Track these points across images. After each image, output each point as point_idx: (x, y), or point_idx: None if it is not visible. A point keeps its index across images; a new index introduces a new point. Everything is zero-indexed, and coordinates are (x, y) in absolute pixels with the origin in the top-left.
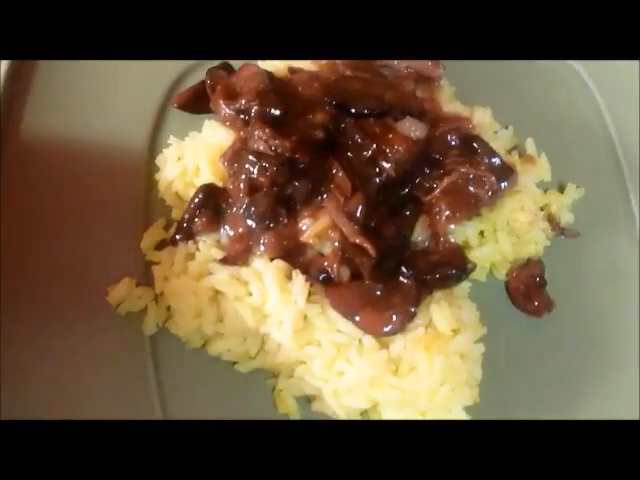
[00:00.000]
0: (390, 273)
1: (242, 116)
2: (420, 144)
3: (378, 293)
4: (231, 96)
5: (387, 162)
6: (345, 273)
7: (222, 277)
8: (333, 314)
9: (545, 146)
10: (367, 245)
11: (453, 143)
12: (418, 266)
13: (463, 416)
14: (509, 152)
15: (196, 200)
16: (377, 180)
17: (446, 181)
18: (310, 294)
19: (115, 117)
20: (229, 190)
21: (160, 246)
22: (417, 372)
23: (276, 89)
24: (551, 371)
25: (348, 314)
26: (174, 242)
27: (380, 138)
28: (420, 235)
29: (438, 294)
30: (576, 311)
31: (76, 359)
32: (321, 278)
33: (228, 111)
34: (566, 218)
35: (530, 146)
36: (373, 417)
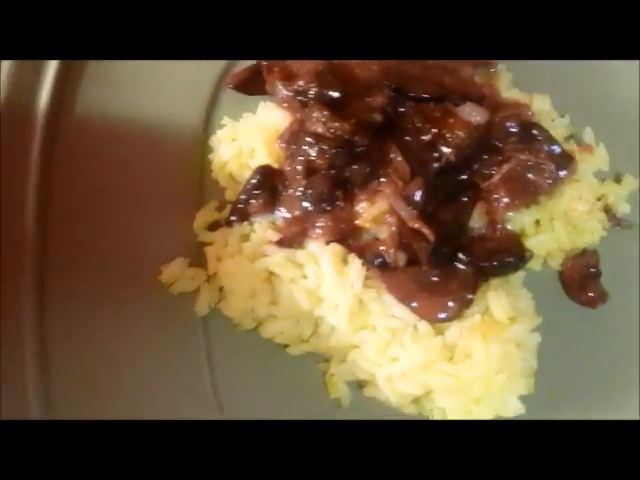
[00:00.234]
0: (447, 259)
1: (300, 98)
2: (480, 129)
3: (435, 279)
4: (289, 77)
5: (447, 147)
6: (401, 258)
7: (277, 259)
8: (388, 299)
9: (602, 136)
10: (426, 230)
11: (512, 130)
12: (475, 253)
13: (517, 405)
14: (566, 140)
15: (252, 181)
16: (435, 165)
17: (505, 168)
18: (366, 278)
19: (169, 97)
20: (286, 172)
21: (213, 227)
22: (472, 359)
23: (334, 71)
24: (603, 364)
25: (404, 299)
26: (229, 223)
27: (440, 122)
28: (477, 222)
29: (494, 282)
30: (630, 303)
31: (127, 339)
32: (377, 263)
33: (285, 92)
34: (622, 209)
35: (588, 135)
36: (426, 404)
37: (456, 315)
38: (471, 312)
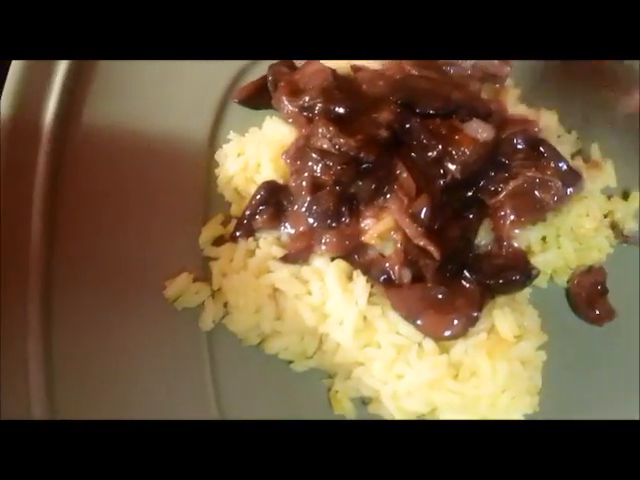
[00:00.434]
0: (453, 276)
1: (306, 113)
2: (487, 146)
3: (440, 296)
4: (295, 93)
5: (453, 163)
6: (406, 275)
7: (282, 275)
8: (394, 316)
9: (609, 152)
10: (431, 247)
11: (519, 146)
12: (481, 270)
13: None
14: (573, 157)
15: (258, 197)
16: (442, 182)
17: (512, 185)
18: (370, 295)
19: (176, 111)
20: (291, 187)
21: (218, 242)
22: (478, 377)
23: (340, 87)
24: (610, 381)
25: (410, 316)
26: (234, 238)
27: (446, 139)
28: (483, 239)
29: (501, 299)
30: (638, 321)
31: (132, 353)
32: (382, 279)
33: (291, 108)
34: (630, 226)
35: (595, 151)
36: None
37: (462, 333)
38: (477, 330)
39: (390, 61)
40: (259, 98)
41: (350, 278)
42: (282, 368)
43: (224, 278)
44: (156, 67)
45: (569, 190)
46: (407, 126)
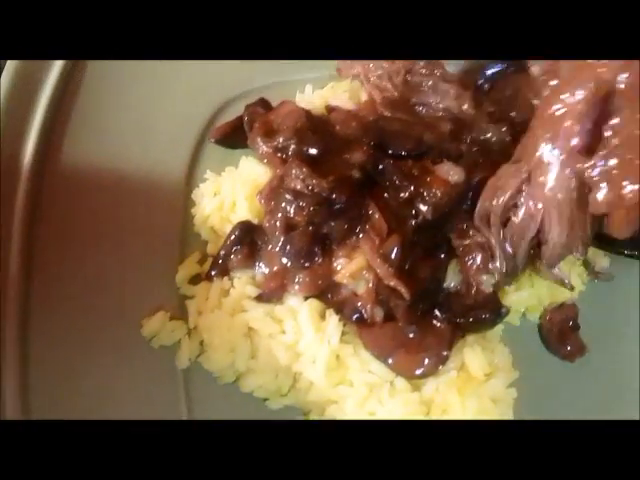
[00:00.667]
0: (424, 315)
1: (280, 154)
2: (458, 188)
3: (411, 335)
4: (269, 133)
5: (424, 204)
6: (379, 314)
7: (256, 314)
8: (366, 354)
9: None
10: (402, 288)
11: None
12: (452, 309)
13: None
14: None
15: (233, 236)
16: (413, 222)
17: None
18: (343, 333)
19: (153, 150)
20: (265, 227)
21: (194, 280)
22: (449, 415)
23: (314, 127)
24: (582, 416)
25: (381, 355)
26: (209, 277)
27: (418, 180)
28: (453, 280)
29: (471, 337)
30: (609, 357)
31: (108, 391)
32: (354, 318)
33: (266, 148)
34: (602, 263)
35: None
36: None
37: (432, 371)
38: (447, 368)
39: (363, 101)
40: (235, 138)
41: (323, 317)
42: (258, 405)
43: (200, 317)
44: (134, 105)
45: None
46: (379, 167)
